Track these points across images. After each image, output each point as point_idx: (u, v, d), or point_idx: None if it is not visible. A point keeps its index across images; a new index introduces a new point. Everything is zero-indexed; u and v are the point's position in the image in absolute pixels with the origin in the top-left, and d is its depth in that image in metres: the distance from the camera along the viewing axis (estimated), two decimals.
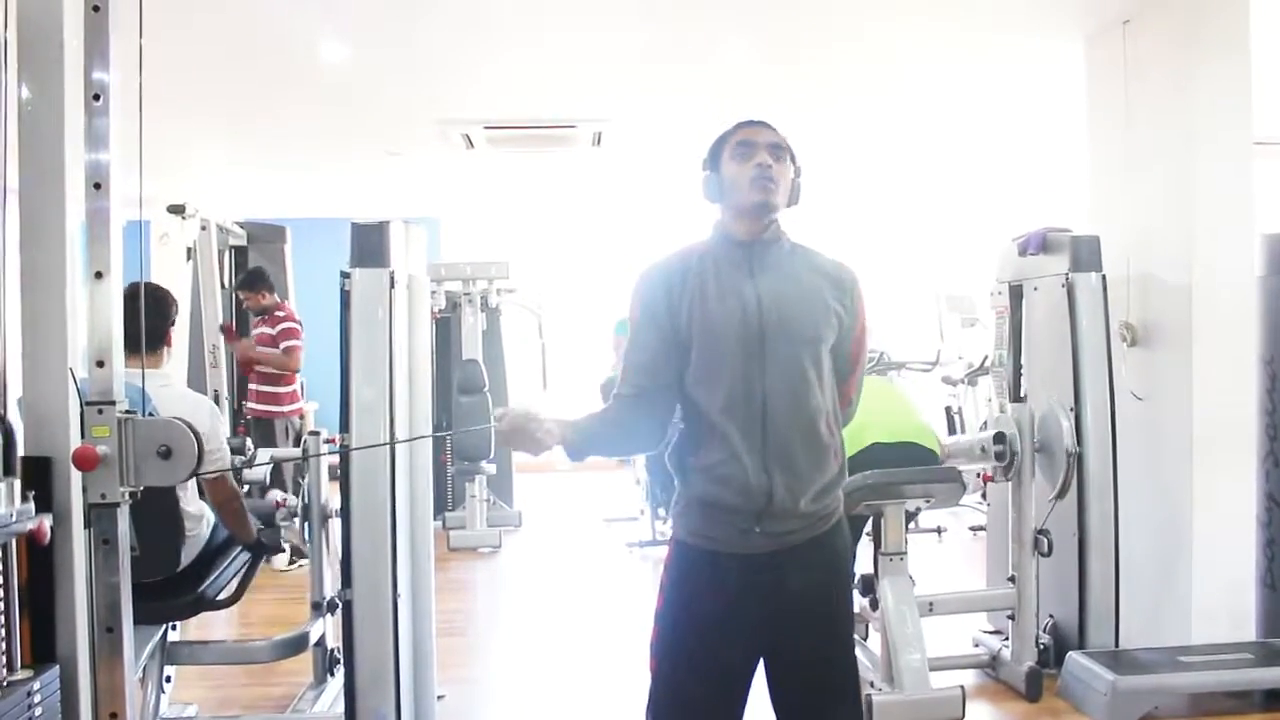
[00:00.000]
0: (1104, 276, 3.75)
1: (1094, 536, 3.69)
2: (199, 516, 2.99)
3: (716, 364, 1.91)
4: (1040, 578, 3.67)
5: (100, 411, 1.89)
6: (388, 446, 2.81)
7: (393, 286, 2.86)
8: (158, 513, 2.78)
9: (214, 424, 2.88)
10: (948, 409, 7.00)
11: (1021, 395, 3.93)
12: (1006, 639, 3.74)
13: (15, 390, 1.94)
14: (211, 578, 2.98)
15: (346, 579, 2.84)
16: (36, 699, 1.80)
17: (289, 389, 5.78)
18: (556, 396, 6.97)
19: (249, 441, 3.82)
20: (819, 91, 5.11)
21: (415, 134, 5.83)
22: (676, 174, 6.42)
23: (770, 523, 1.91)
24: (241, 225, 6.37)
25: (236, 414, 5.96)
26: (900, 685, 3.19)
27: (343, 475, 2.83)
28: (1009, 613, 3.69)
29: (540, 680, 3.96)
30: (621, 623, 4.52)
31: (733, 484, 1.89)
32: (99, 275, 1.90)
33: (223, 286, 6.00)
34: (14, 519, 1.77)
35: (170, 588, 2.91)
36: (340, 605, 2.89)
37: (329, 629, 3.52)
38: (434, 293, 5.63)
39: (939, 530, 6.02)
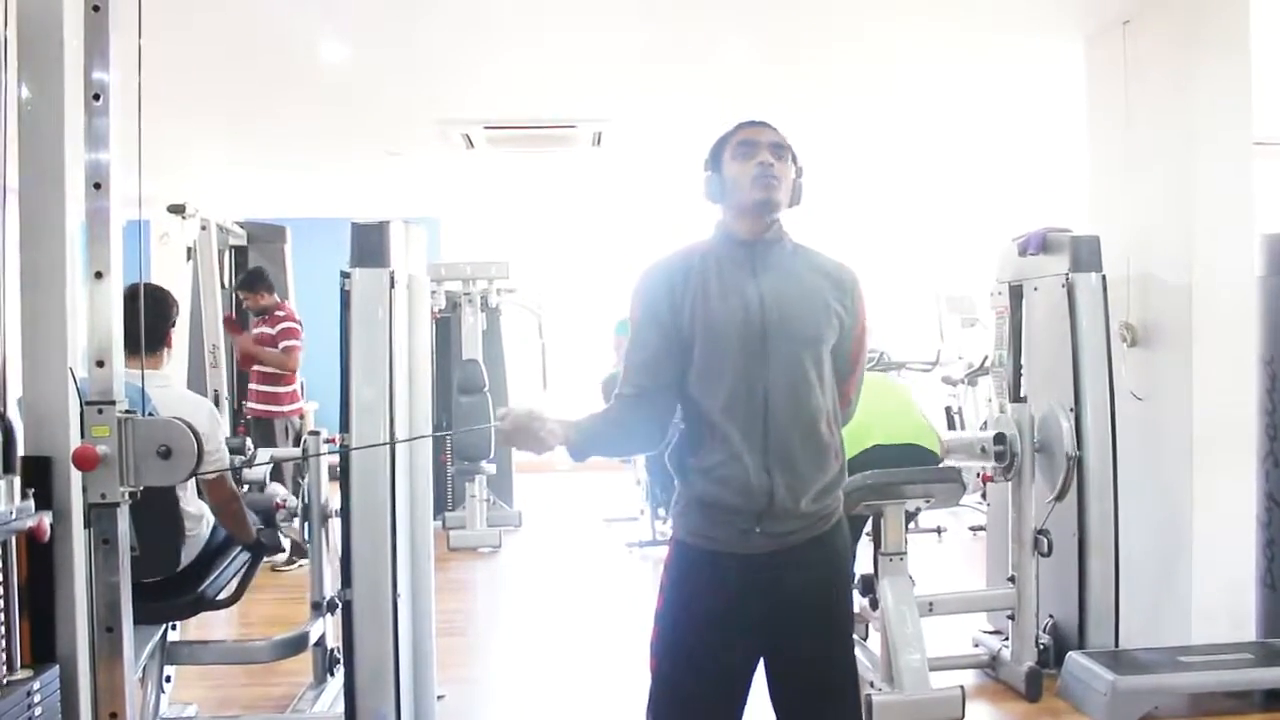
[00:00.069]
0: (1104, 276, 3.75)
1: (1094, 536, 3.69)
2: (199, 516, 2.99)
3: (718, 363, 1.91)
4: (1040, 578, 3.67)
5: (100, 411, 1.89)
6: (387, 446, 2.81)
7: (393, 286, 2.86)
8: (158, 513, 2.78)
9: (213, 425, 2.88)
10: (948, 409, 7.01)
11: (1021, 395, 3.93)
12: (1006, 639, 3.74)
13: (15, 390, 1.94)
14: (211, 578, 2.98)
15: (346, 579, 2.84)
16: (36, 699, 1.80)
17: (289, 389, 5.78)
18: (557, 396, 6.98)
19: (249, 441, 3.82)
20: (819, 91, 5.11)
21: (415, 134, 5.83)
22: (677, 174, 6.42)
23: (770, 523, 1.91)
24: (241, 225, 6.37)
25: (236, 414, 5.97)
26: (900, 685, 3.19)
27: (343, 475, 2.83)
28: (1009, 613, 3.69)
29: (540, 680, 3.96)
30: (621, 623, 4.52)
31: (733, 484, 1.89)
32: (99, 275, 1.90)
33: (223, 286, 6.00)
34: (14, 516, 1.77)
35: (170, 588, 2.91)
36: (340, 605, 2.89)
37: (329, 629, 3.52)
38: (434, 293, 5.63)
39: (939, 530, 6.02)
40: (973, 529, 6.16)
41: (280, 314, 5.75)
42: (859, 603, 3.39)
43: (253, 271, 5.92)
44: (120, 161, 1.94)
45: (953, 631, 3.95)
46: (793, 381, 1.92)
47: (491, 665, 4.20)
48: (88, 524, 1.90)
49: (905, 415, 3.55)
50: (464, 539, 6.10)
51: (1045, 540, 3.59)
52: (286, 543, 3.49)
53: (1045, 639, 3.74)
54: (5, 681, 1.78)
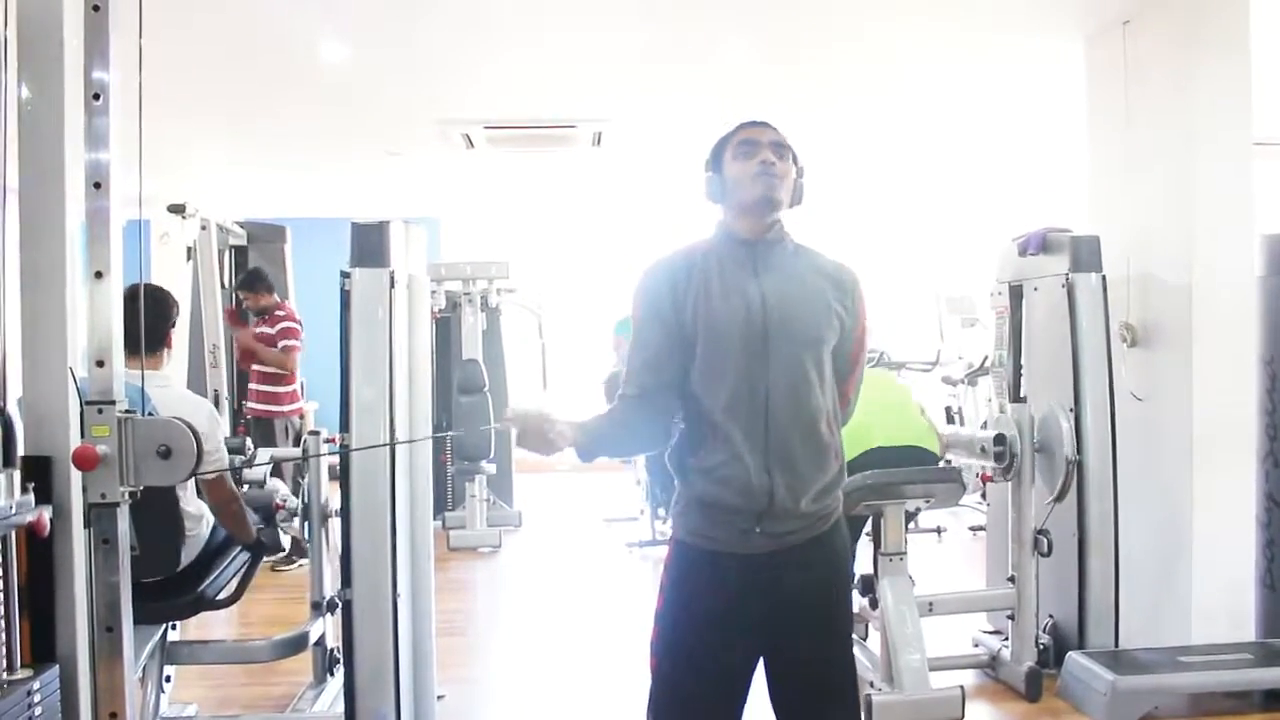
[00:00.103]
0: (1104, 276, 3.75)
1: (1094, 536, 3.69)
2: (199, 516, 2.99)
3: (720, 363, 1.91)
4: (1040, 578, 3.67)
5: (100, 411, 1.89)
6: (388, 446, 2.81)
7: (393, 286, 2.86)
8: (158, 513, 2.78)
9: (212, 425, 2.87)
10: (948, 409, 7.01)
11: (1021, 396, 3.93)
12: (1006, 639, 3.74)
13: (15, 390, 1.94)
14: (211, 577, 2.98)
15: (346, 579, 2.85)
16: (36, 698, 1.80)
17: (289, 389, 5.78)
18: (557, 396, 6.98)
19: (248, 441, 3.82)
20: (819, 91, 5.11)
21: (415, 134, 5.83)
22: (677, 174, 6.43)
23: (770, 523, 1.91)
24: (241, 225, 6.37)
25: (236, 414, 5.97)
26: (900, 685, 3.19)
27: (343, 475, 2.83)
28: (1009, 613, 3.69)
29: (540, 680, 3.96)
30: (621, 623, 4.52)
31: (734, 484, 1.89)
32: (99, 275, 1.90)
33: (223, 286, 6.00)
34: (14, 511, 1.77)
35: (170, 587, 2.91)
36: (340, 605, 2.89)
37: (329, 629, 3.52)
38: (434, 293, 5.63)
39: (939, 530, 6.02)
40: (973, 529, 6.16)
41: (280, 314, 5.75)
42: (859, 603, 3.39)
43: (252, 272, 5.92)
44: (120, 161, 1.94)
45: (953, 631, 3.95)
46: (794, 382, 1.92)
47: (491, 665, 4.20)
48: (88, 524, 1.90)
49: (906, 417, 3.55)
50: (464, 539, 6.10)
51: (1045, 540, 3.59)
52: (286, 540, 3.49)
53: (1045, 639, 3.74)
54: (5, 681, 1.77)
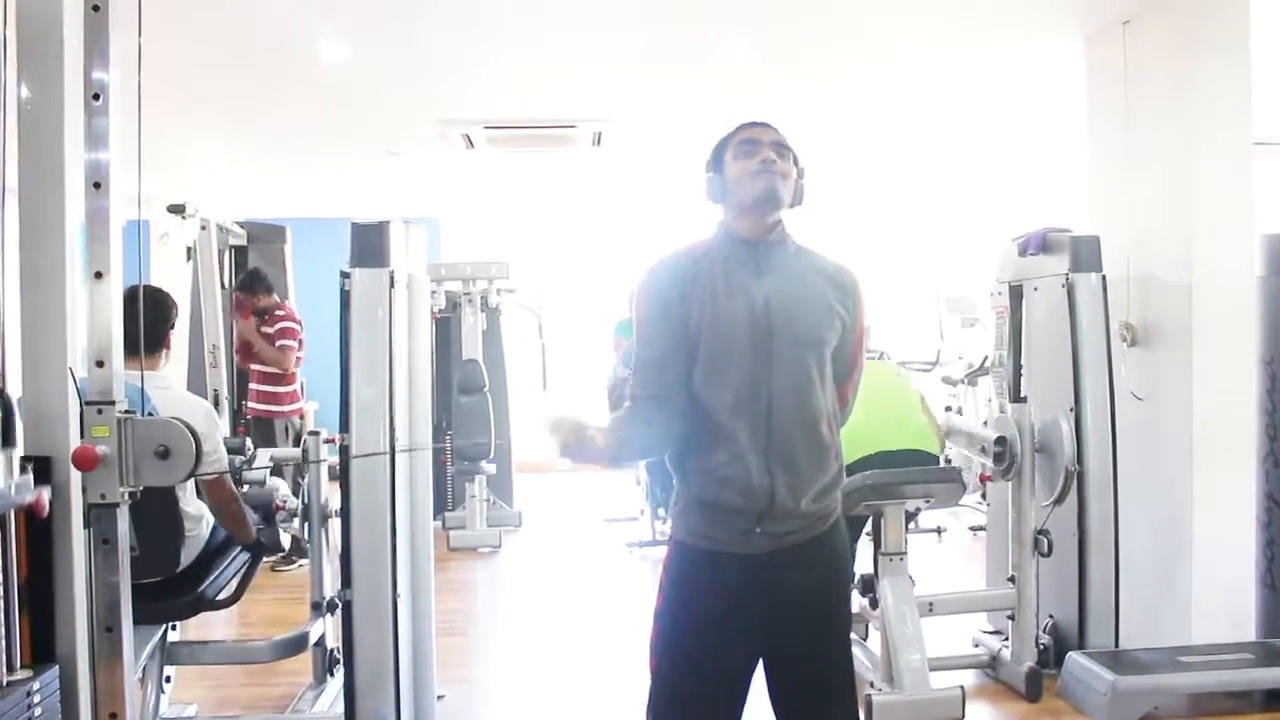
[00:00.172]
0: (1104, 276, 3.74)
1: (1094, 536, 3.69)
2: (198, 517, 2.99)
3: (724, 363, 1.91)
4: (1040, 578, 3.67)
5: (100, 411, 1.88)
6: (387, 446, 2.81)
7: (393, 286, 2.86)
8: (157, 513, 2.78)
9: (210, 427, 2.87)
10: (948, 409, 7.00)
11: (1021, 396, 3.93)
12: (1006, 639, 3.74)
13: (15, 390, 1.94)
14: (211, 578, 2.98)
15: (346, 579, 2.84)
16: (36, 699, 1.80)
17: (289, 389, 5.78)
18: (556, 396, 6.98)
19: (248, 441, 3.82)
20: (819, 91, 5.11)
21: (415, 134, 5.83)
22: (677, 174, 6.43)
23: (770, 523, 1.91)
24: (241, 225, 6.36)
25: (236, 414, 5.97)
26: (900, 685, 3.19)
27: (343, 476, 2.83)
28: (1009, 613, 3.69)
29: (540, 680, 3.96)
30: (621, 623, 4.52)
31: (735, 484, 1.89)
32: (99, 275, 1.90)
33: (223, 286, 6.00)
34: (13, 492, 1.77)
35: (170, 588, 2.91)
36: (340, 605, 2.89)
37: (329, 629, 3.52)
38: (434, 293, 5.63)
39: (939, 530, 6.01)
40: (973, 529, 6.16)
41: (280, 314, 5.75)
42: (859, 603, 3.39)
43: (250, 273, 5.92)
44: (120, 161, 1.94)
45: (953, 631, 3.95)
46: (796, 382, 1.92)
47: (491, 665, 4.20)
48: (87, 524, 1.90)
49: (906, 417, 3.55)
50: (464, 539, 6.09)
51: (1045, 540, 3.59)
52: (286, 540, 3.49)
53: (1045, 639, 3.74)
54: (5, 682, 1.77)
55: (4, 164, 1.88)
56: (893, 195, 8.10)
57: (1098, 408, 3.70)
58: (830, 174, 6.64)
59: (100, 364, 1.91)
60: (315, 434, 3.62)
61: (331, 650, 3.54)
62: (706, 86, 4.91)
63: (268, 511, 3.30)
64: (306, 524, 3.43)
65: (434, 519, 3.51)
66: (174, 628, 3.26)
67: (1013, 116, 5.66)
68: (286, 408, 5.78)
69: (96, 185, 1.90)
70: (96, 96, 1.91)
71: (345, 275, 2.86)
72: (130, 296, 2.07)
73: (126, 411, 1.92)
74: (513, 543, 6.30)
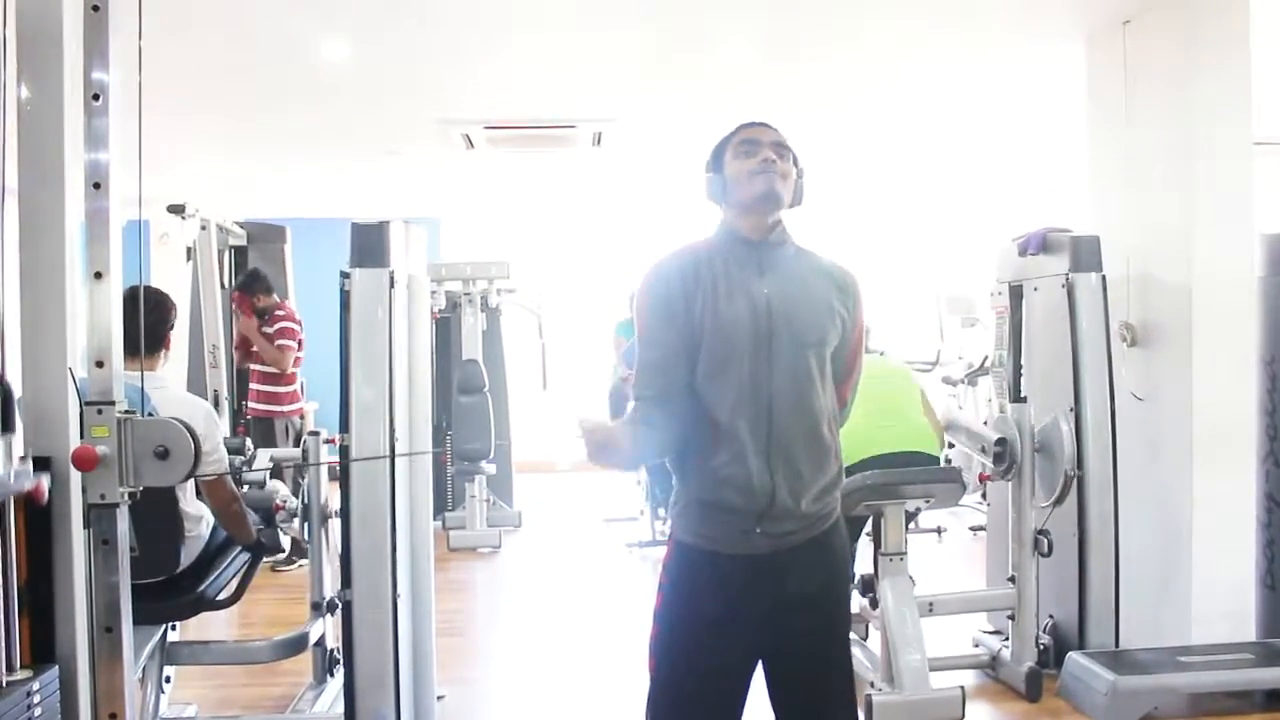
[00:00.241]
0: (1104, 276, 3.75)
1: (1094, 536, 3.69)
2: (198, 517, 2.99)
3: (727, 363, 1.91)
4: (1040, 578, 3.67)
5: (100, 412, 1.88)
6: (387, 447, 2.81)
7: (393, 286, 2.86)
8: (157, 513, 2.78)
9: (209, 427, 2.87)
10: (951, 394, 7.02)
11: (1021, 396, 3.93)
12: (1006, 639, 3.74)
13: (14, 390, 1.94)
14: (211, 578, 2.98)
15: (346, 579, 2.85)
16: (36, 699, 1.80)
17: (289, 389, 5.79)
18: (557, 396, 6.99)
19: (248, 441, 3.82)
20: (819, 91, 5.11)
21: (415, 134, 5.83)
22: (677, 174, 6.44)
23: (771, 523, 1.90)
24: (241, 225, 6.36)
25: (237, 414, 5.97)
26: (900, 685, 3.19)
27: (343, 476, 2.83)
28: (1009, 613, 3.69)
29: (540, 680, 3.96)
30: (621, 623, 4.52)
31: (736, 484, 1.89)
32: (99, 275, 1.90)
33: (222, 286, 6.00)
34: (12, 479, 1.76)
35: (170, 588, 2.91)
36: (340, 605, 2.89)
37: (329, 629, 3.52)
38: (434, 293, 5.63)
39: (939, 530, 6.02)
40: (973, 529, 6.16)
41: (280, 314, 5.75)
42: (859, 603, 3.39)
43: (250, 274, 5.92)
44: (120, 161, 1.93)
45: (953, 631, 3.95)
46: (797, 383, 1.92)
47: (491, 665, 4.21)
48: (87, 524, 1.90)
49: (907, 419, 3.55)
50: (464, 539, 6.10)
51: (1045, 540, 3.59)
52: (286, 541, 3.49)
53: (1045, 639, 3.74)
54: (5, 682, 1.77)
55: (4, 164, 1.87)
56: (893, 195, 8.10)
57: (1098, 408, 3.70)
58: (830, 174, 6.65)
59: (100, 364, 1.91)
60: (315, 434, 3.62)
61: (331, 650, 3.54)
62: (706, 86, 4.91)
63: (268, 513, 3.30)
64: (306, 524, 3.43)
65: (434, 519, 3.51)
66: (174, 628, 3.26)
67: (1013, 116, 5.65)
68: (287, 408, 5.78)
69: (96, 185, 1.90)
70: (96, 97, 1.90)
71: (345, 275, 2.86)
72: (130, 297, 2.08)
73: (126, 412, 1.92)
74: (513, 543, 6.30)
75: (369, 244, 2.87)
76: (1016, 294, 4.01)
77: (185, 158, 6.21)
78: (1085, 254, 3.76)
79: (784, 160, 1.97)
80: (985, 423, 4.11)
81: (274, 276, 5.99)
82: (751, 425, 1.89)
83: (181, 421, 1.95)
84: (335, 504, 3.19)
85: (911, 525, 3.86)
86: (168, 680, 3.21)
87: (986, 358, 5.12)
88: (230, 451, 3.20)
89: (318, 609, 3.44)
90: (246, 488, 3.51)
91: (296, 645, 3.30)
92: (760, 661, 1.97)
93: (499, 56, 4.44)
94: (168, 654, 3.16)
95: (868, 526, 3.52)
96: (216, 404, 5.40)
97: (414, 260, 3.10)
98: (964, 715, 3.20)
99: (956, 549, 5.93)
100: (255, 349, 5.74)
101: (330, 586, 3.42)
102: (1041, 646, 3.69)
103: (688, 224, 2.39)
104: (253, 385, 5.81)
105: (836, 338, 1.98)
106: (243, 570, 3.12)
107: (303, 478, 3.73)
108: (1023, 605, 3.64)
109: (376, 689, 2.83)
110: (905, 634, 3.26)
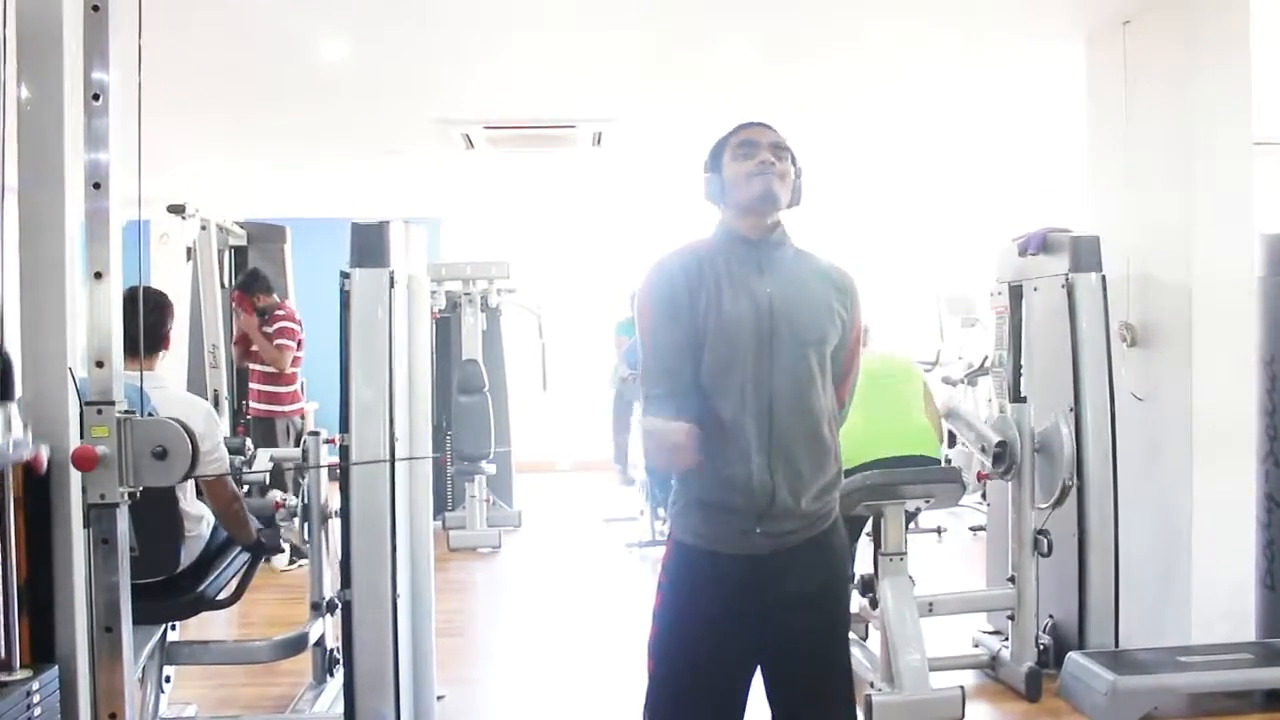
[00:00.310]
0: (1104, 276, 3.75)
1: (1094, 537, 3.69)
2: (198, 517, 2.99)
3: (730, 362, 1.91)
4: (1040, 578, 3.67)
5: (99, 412, 1.88)
6: (387, 447, 2.81)
7: (393, 286, 2.86)
8: (157, 513, 2.78)
9: (209, 426, 2.87)
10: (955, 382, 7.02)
11: (1021, 396, 3.93)
12: (1006, 639, 3.74)
13: (16, 370, 1.94)
14: (211, 578, 2.98)
15: (346, 579, 2.85)
16: (35, 699, 1.80)
17: (290, 389, 5.79)
18: (557, 396, 6.99)
19: (248, 441, 3.82)
20: (819, 91, 5.11)
21: (415, 134, 5.83)
22: (677, 174, 6.42)
23: (770, 523, 1.90)
24: (241, 225, 6.36)
25: (237, 414, 5.97)
26: (900, 685, 3.19)
27: (342, 476, 2.83)
28: (1009, 613, 3.69)
29: (540, 680, 3.96)
30: (621, 623, 4.52)
31: (736, 483, 1.89)
32: (98, 275, 1.90)
33: (222, 286, 6.00)
34: (11, 448, 1.76)
35: (170, 588, 2.91)
36: (340, 605, 2.89)
37: (329, 629, 3.52)
38: (434, 293, 5.63)
39: (939, 530, 6.02)
40: (973, 529, 6.16)
41: (280, 314, 5.75)
42: (859, 603, 3.39)
43: (249, 274, 5.92)
44: (120, 161, 1.94)
45: (953, 631, 3.95)
46: (798, 383, 1.92)
47: (491, 665, 4.21)
48: (87, 524, 1.90)
49: (907, 421, 3.55)
50: (464, 539, 6.09)
51: (1045, 540, 3.59)
52: (286, 546, 3.49)
53: (1045, 639, 3.74)
54: (4, 682, 1.77)
55: (4, 164, 1.87)
56: (893, 195, 8.10)
57: (1097, 408, 3.70)
58: (830, 174, 6.65)
59: (100, 364, 1.91)
60: (315, 434, 3.62)
61: (331, 650, 3.54)
62: (707, 86, 4.91)
63: (268, 517, 3.30)
64: (306, 524, 3.43)
65: (434, 519, 3.51)
66: (174, 628, 3.26)
67: (1013, 116, 5.65)
68: (287, 408, 5.78)
69: (96, 185, 1.90)
70: (96, 97, 1.90)
71: (345, 275, 2.87)
72: (130, 297, 2.08)
73: (126, 412, 1.92)
74: (512, 543, 6.30)
75: (369, 244, 2.87)
76: (1016, 294, 4.01)
77: (185, 158, 6.21)
78: (1085, 254, 3.76)
79: (782, 161, 1.97)
80: (985, 422, 4.11)
81: (274, 276, 5.98)
82: (755, 425, 1.89)
83: (179, 422, 1.95)
84: (335, 504, 3.19)
85: (911, 525, 3.86)
86: (168, 680, 3.21)
87: (986, 358, 5.12)
88: (230, 451, 3.20)
89: (318, 609, 3.44)
90: (247, 489, 3.51)
91: (296, 645, 3.30)
92: (759, 661, 1.97)
93: (499, 56, 4.44)
94: (168, 654, 3.16)
95: (868, 526, 3.52)
96: (216, 404, 5.40)
97: (414, 260, 3.10)
98: (964, 715, 3.20)
99: (956, 549, 5.93)
100: (254, 348, 5.74)
101: (330, 587, 3.42)
102: (1041, 646, 3.69)
103: (687, 224, 2.38)
104: (253, 385, 5.81)
105: (836, 338, 1.98)
106: (242, 570, 3.12)
107: (302, 478, 3.73)
108: (1022, 605, 3.64)
109: (376, 689, 2.83)
110: (905, 634, 3.26)
